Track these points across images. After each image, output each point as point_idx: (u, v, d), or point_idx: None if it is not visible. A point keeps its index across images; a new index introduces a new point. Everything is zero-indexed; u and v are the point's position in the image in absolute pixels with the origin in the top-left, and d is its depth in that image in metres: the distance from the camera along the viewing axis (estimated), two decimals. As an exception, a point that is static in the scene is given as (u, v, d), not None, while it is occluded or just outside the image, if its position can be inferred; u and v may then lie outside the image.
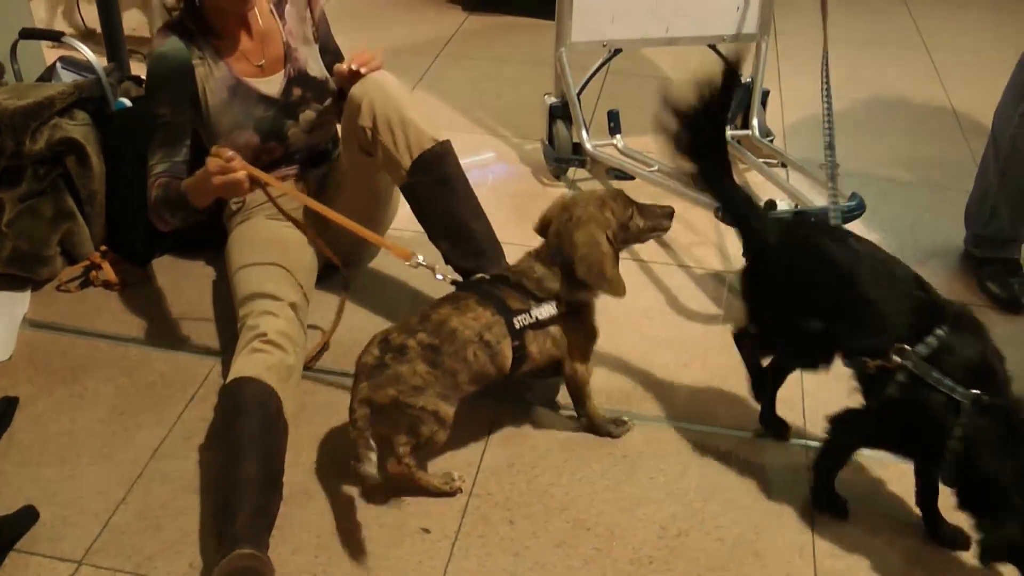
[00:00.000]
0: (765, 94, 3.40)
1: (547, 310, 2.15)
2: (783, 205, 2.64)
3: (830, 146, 2.43)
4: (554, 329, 2.17)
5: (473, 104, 3.89)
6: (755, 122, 3.32)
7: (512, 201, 3.20)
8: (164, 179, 2.39)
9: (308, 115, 2.56)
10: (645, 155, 3.14)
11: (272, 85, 2.51)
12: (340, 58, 2.63)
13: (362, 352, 2.04)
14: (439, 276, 2.28)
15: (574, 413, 2.32)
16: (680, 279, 2.86)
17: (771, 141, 3.33)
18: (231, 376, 2.13)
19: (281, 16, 2.54)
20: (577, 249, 2.12)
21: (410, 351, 2.00)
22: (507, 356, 2.12)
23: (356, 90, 2.40)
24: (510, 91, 4.02)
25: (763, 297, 2.11)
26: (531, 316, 2.13)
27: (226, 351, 2.51)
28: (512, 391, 2.38)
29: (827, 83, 2.52)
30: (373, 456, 1.91)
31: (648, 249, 2.95)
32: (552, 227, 2.20)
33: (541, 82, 3.83)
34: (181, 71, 2.41)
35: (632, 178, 3.11)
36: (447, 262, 2.46)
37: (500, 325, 2.10)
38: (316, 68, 2.58)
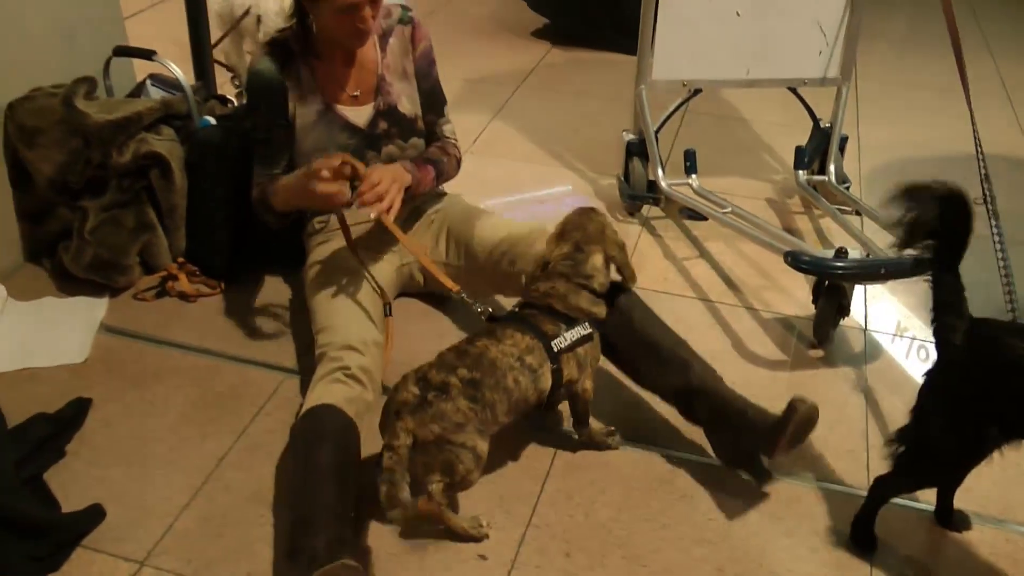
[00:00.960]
0: (844, 140, 3.38)
1: (579, 331, 2.17)
2: (855, 253, 2.61)
3: (993, 214, 2.40)
4: (580, 350, 2.18)
5: (550, 137, 3.93)
6: (832, 168, 3.29)
7: (584, 235, 3.21)
8: (263, 182, 2.50)
9: (391, 149, 2.58)
10: (719, 196, 3.13)
11: (360, 115, 2.54)
12: (438, 100, 2.66)
13: (396, 389, 2.01)
14: (478, 308, 2.27)
15: (627, 446, 2.32)
16: (748, 322, 2.84)
17: (847, 188, 3.29)
18: (312, 402, 2.13)
19: (383, 49, 2.56)
20: (607, 235, 2.28)
21: (452, 388, 1.98)
22: (548, 380, 2.12)
23: None
24: (588, 126, 4.05)
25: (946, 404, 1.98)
26: (566, 338, 2.15)
27: (299, 369, 2.55)
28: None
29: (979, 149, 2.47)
30: (407, 487, 1.91)
31: (716, 289, 2.95)
32: (573, 235, 2.27)
33: (619, 118, 3.86)
34: (275, 89, 2.47)
35: (705, 218, 3.11)
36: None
37: (540, 350, 2.11)
38: (408, 105, 2.59)
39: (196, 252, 2.90)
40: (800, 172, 3.35)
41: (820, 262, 2.56)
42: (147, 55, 3.06)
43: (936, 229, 1.88)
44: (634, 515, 2.16)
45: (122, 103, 2.92)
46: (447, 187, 2.81)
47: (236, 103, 3.34)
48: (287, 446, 2.26)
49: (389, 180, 2.33)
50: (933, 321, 1.93)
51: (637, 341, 2.33)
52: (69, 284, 2.86)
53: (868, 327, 2.84)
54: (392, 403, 1.99)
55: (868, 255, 2.69)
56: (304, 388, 2.44)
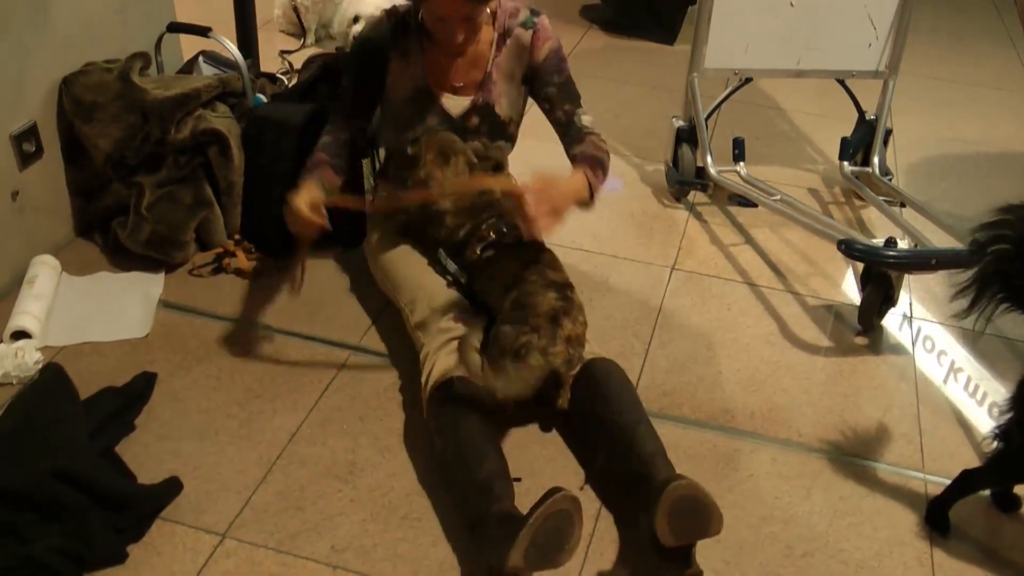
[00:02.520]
0: (888, 133, 3.40)
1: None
2: (903, 244, 2.64)
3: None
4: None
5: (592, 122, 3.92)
6: (876, 160, 3.31)
7: (633, 220, 3.25)
8: (318, 153, 2.52)
9: (475, 144, 2.58)
10: (766, 184, 3.16)
11: (456, 105, 2.56)
12: (573, 92, 2.62)
13: (530, 302, 2.17)
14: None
15: (692, 426, 2.36)
16: (794, 308, 2.87)
17: (890, 180, 3.32)
18: (437, 377, 2.18)
19: (499, 48, 2.55)
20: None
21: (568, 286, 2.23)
22: None
23: None
24: (628, 113, 4.06)
25: None
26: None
27: (364, 346, 2.59)
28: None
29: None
30: None
31: (763, 275, 2.98)
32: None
33: (658, 106, 3.89)
34: (376, 55, 2.51)
35: (755, 205, 3.13)
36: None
37: None
38: (505, 107, 2.59)
39: (252, 229, 2.91)
40: (845, 163, 3.38)
41: (873, 251, 2.59)
42: (202, 32, 3.07)
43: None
44: (704, 493, 2.19)
45: (178, 79, 2.93)
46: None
47: (286, 82, 3.36)
48: (430, 425, 2.20)
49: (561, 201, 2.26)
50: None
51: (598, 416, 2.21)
52: (122, 259, 2.86)
53: (913, 315, 2.87)
54: (540, 314, 2.14)
55: (915, 245, 2.72)
56: (371, 364, 2.51)
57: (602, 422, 2.16)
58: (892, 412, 2.48)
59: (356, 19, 4.20)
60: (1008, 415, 2.00)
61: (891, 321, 2.81)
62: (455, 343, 2.25)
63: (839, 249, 2.64)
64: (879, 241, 2.63)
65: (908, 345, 2.75)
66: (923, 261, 2.63)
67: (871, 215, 3.31)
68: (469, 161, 2.48)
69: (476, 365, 2.14)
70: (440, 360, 2.22)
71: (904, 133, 3.96)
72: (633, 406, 2.18)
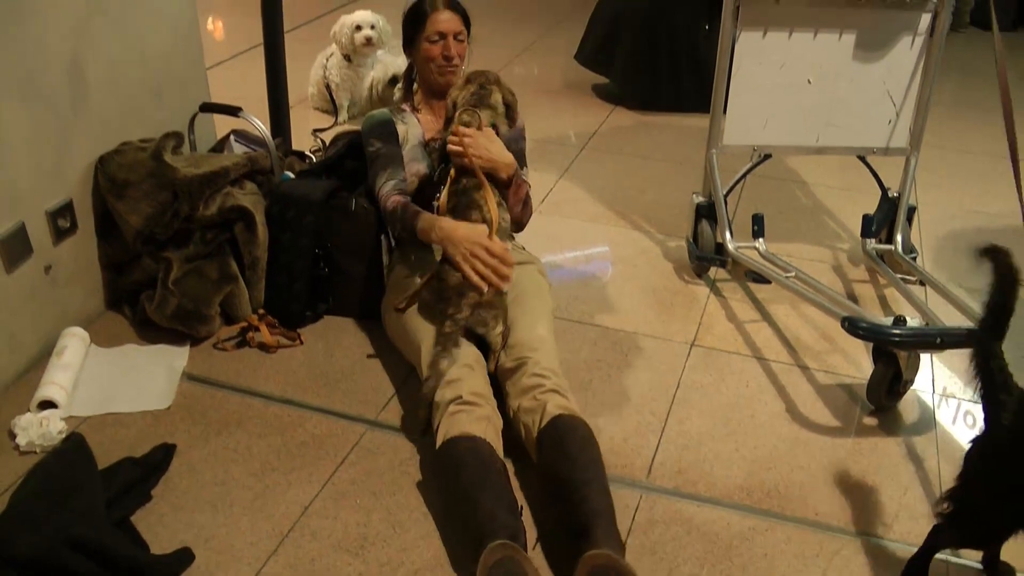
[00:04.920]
0: (911, 210, 3.40)
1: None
2: (913, 322, 2.61)
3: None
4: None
5: (617, 198, 3.99)
6: (899, 238, 3.31)
7: (654, 296, 3.26)
8: (398, 197, 2.73)
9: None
10: (784, 260, 3.16)
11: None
12: (520, 161, 2.84)
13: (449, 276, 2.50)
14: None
15: (704, 504, 2.35)
16: (810, 385, 2.85)
17: (914, 258, 3.31)
18: (441, 440, 2.27)
19: None
20: (502, 82, 2.83)
21: None
22: None
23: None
24: (653, 188, 4.10)
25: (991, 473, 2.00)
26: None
27: (381, 421, 2.61)
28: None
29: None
30: None
31: (781, 352, 2.97)
32: (478, 79, 2.78)
33: (684, 181, 3.93)
34: (385, 123, 2.86)
35: (769, 282, 3.14)
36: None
37: None
38: None
39: (276, 304, 2.97)
40: (867, 240, 3.38)
41: (877, 329, 2.58)
42: (233, 112, 3.17)
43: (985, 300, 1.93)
44: (717, 570, 2.17)
45: (208, 158, 3.01)
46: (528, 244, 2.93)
47: (314, 159, 3.44)
48: (442, 478, 2.29)
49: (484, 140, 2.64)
50: (981, 394, 1.98)
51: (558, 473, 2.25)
52: (149, 332, 2.92)
53: (936, 391, 2.85)
54: (450, 287, 2.50)
55: (927, 324, 2.69)
56: (387, 439, 2.53)
57: (559, 477, 2.21)
58: (912, 491, 2.45)
59: (394, 80, 4.34)
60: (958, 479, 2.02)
61: (912, 398, 2.79)
62: (454, 405, 2.32)
63: (843, 327, 2.62)
64: (889, 319, 2.62)
65: (930, 423, 2.72)
66: (927, 340, 2.59)
67: (895, 293, 3.29)
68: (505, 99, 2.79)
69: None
70: (444, 422, 2.31)
71: (929, 207, 3.96)
72: (592, 464, 2.22)
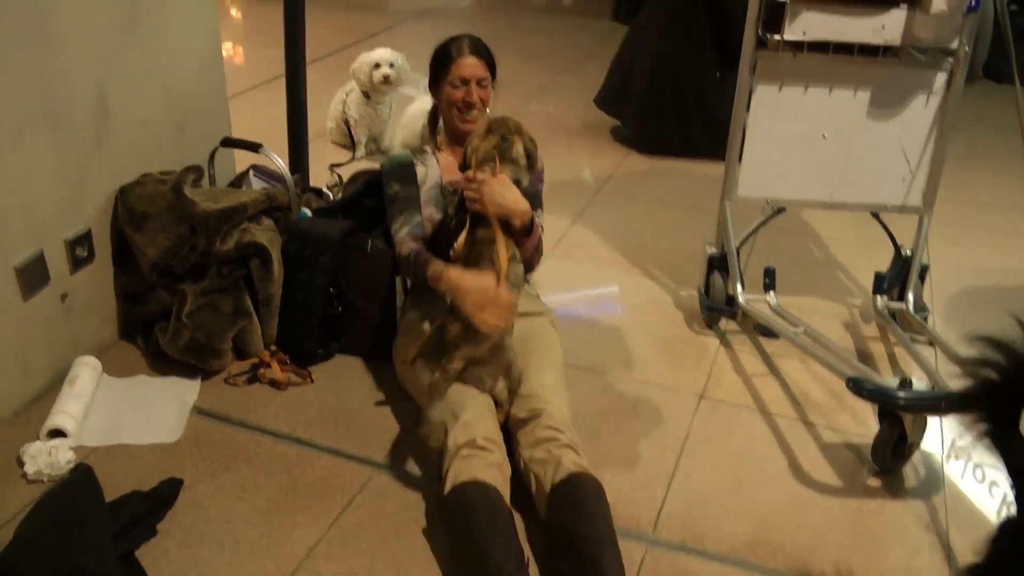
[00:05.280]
0: (924, 269, 3.40)
1: None
2: (920, 384, 2.62)
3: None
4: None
5: (630, 244, 4.00)
6: (911, 296, 3.30)
7: (664, 345, 3.27)
8: (412, 243, 2.75)
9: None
10: (794, 315, 3.16)
11: None
12: (536, 203, 2.88)
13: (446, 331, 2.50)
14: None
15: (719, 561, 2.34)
16: (815, 443, 2.84)
17: (925, 318, 3.31)
18: (451, 483, 2.28)
19: None
20: (523, 131, 2.78)
21: None
22: None
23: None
24: (666, 235, 4.12)
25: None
26: None
27: (390, 463, 2.62)
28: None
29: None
30: None
31: (787, 407, 2.97)
32: (499, 130, 2.72)
33: (697, 228, 3.93)
34: (406, 166, 2.86)
35: (777, 336, 3.14)
36: None
37: None
38: None
39: (288, 340, 2.98)
40: (878, 298, 3.37)
41: (881, 390, 2.58)
42: (253, 148, 3.20)
43: (998, 384, 1.83)
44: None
45: (227, 193, 3.04)
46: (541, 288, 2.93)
47: (332, 196, 3.46)
48: (450, 522, 2.30)
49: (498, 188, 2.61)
50: (1012, 482, 1.89)
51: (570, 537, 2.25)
52: (162, 364, 2.94)
53: (947, 455, 2.84)
54: (446, 341, 2.51)
55: (934, 387, 2.69)
56: (395, 482, 2.53)
57: (571, 534, 2.21)
58: (921, 556, 2.43)
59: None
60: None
61: (920, 457, 2.78)
62: (466, 449, 2.34)
63: (848, 387, 2.62)
64: (894, 381, 2.61)
65: (939, 483, 2.71)
66: (932, 404, 2.58)
67: (906, 352, 3.28)
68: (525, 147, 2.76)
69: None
70: (454, 466, 2.32)
71: (940, 261, 3.95)
72: (604, 524, 2.23)
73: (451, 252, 2.63)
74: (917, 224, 3.35)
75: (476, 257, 2.57)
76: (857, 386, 2.59)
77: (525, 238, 2.69)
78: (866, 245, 3.58)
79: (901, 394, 2.55)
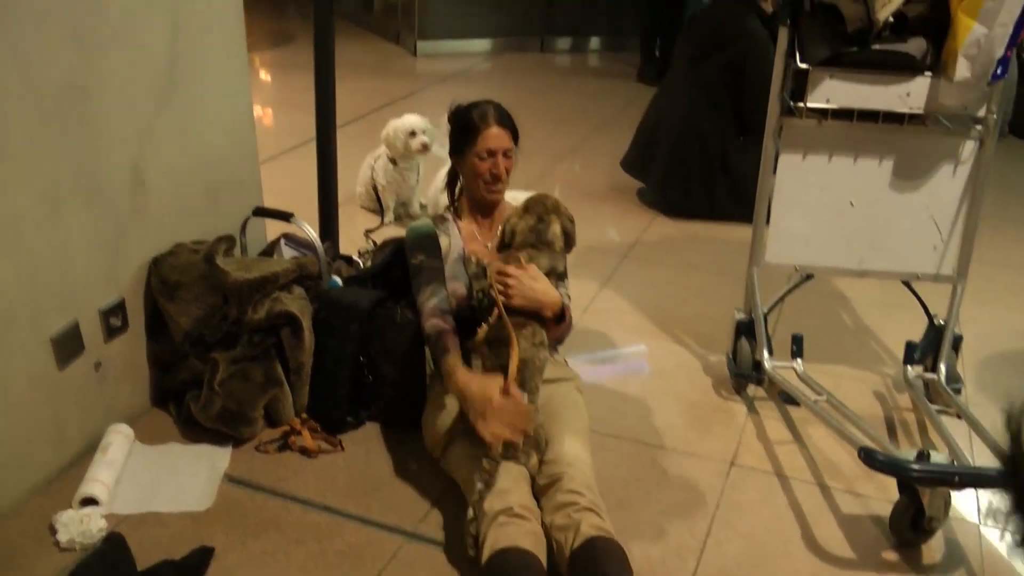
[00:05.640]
0: (958, 339, 3.33)
1: None
2: (940, 457, 2.57)
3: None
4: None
5: (658, 309, 4.01)
6: (943, 367, 3.23)
7: (693, 412, 3.27)
8: (437, 320, 2.75)
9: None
10: (817, 383, 3.13)
11: (488, 255, 2.87)
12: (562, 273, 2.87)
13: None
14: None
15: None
16: (851, 511, 2.82)
17: (959, 390, 3.25)
18: (490, 550, 2.27)
19: None
20: (561, 209, 2.84)
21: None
22: None
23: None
24: (694, 300, 4.13)
25: None
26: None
27: (420, 533, 2.61)
28: None
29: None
30: None
31: (821, 476, 2.95)
32: (536, 209, 2.79)
33: (725, 293, 3.93)
34: (430, 235, 2.89)
35: (798, 403, 3.14)
36: None
37: None
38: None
39: (318, 408, 3.00)
40: (909, 367, 3.33)
41: (893, 462, 2.54)
42: (285, 217, 3.24)
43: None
44: None
45: (259, 262, 3.08)
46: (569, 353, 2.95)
47: (362, 264, 3.50)
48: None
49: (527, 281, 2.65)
50: None
51: None
52: (193, 431, 2.96)
53: (984, 531, 2.81)
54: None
55: (953, 461, 2.62)
56: (426, 552, 2.53)
57: None
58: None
59: None
60: None
61: (957, 528, 2.75)
62: (503, 516, 2.33)
63: (860, 457, 2.59)
64: (912, 453, 2.57)
65: (974, 563, 2.67)
66: (945, 478, 2.51)
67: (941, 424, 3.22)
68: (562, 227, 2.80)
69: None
70: (491, 533, 2.31)
71: (971, 323, 3.90)
72: None
73: (473, 340, 2.65)
74: (951, 294, 3.29)
75: (497, 345, 2.58)
76: (869, 457, 2.56)
77: (556, 326, 2.72)
78: (898, 308, 3.54)
79: (914, 466, 2.52)
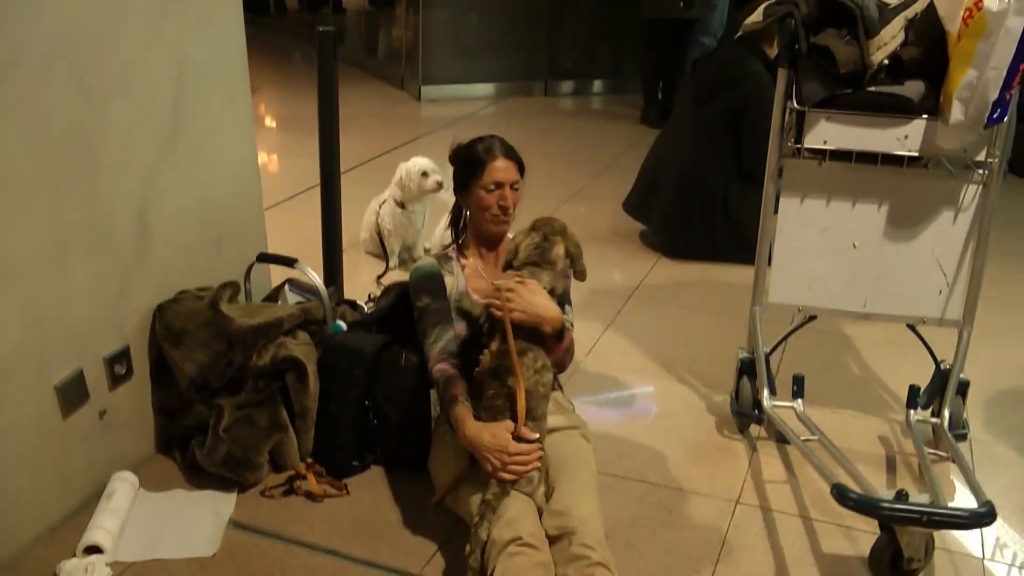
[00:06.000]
0: (965, 385, 3.25)
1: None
2: (918, 498, 2.54)
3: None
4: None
5: (662, 350, 4.02)
6: (947, 413, 3.14)
7: (698, 451, 3.27)
8: (444, 365, 2.73)
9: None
10: (815, 423, 3.08)
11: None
12: (564, 299, 2.87)
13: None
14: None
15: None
16: (857, 548, 2.80)
17: (964, 436, 3.21)
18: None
19: None
20: (568, 233, 2.85)
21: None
22: None
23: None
24: (698, 340, 4.13)
25: None
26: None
27: (424, 574, 2.61)
28: None
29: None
30: None
31: (827, 513, 2.93)
32: (542, 229, 2.81)
33: (728, 333, 3.94)
34: (434, 276, 2.87)
35: (788, 442, 3.13)
36: None
37: None
38: None
39: (323, 452, 3.00)
40: (912, 412, 3.26)
41: (863, 500, 2.53)
42: (289, 263, 3.26)
43: None
44: None
45: (263, 308, 3.09)
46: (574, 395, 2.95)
47: (366, 309, 3.51)
48: None
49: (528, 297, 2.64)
50: None
51: None
52: (198, 477, 2.97)
53: (984, 556, 2.80)
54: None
55: (932, 503, 2.58)
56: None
57: None
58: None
59: None
60: None
61: (958, 569, 2.73)
62: (513, 546, 2.33)
63: (832, 494, 2.58)
64: (890, 493, 2.55)
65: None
66: (913, 517, 2.49)
67: (946, 468, 3.18)
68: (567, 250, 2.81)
69: None
70: (501, 562, 2.31)
71: (976, 361, 3.86)
72: None
73: (478, 371, 2.66)
74: (957, 339, 3.22)
75: (503, 372, 2.58)
76: (840, 494, 2.54)
77: (556, 343, 2.71)
78: (905, 347, 3.47)
79: (883, 504, 2.51)
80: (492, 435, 2.51)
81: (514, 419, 2.52)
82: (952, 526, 2.51)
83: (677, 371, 3.82)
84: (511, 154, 2.89)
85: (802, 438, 2.98)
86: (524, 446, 2.49)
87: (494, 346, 2.63)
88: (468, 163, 2.89)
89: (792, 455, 3.25)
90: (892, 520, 2.55)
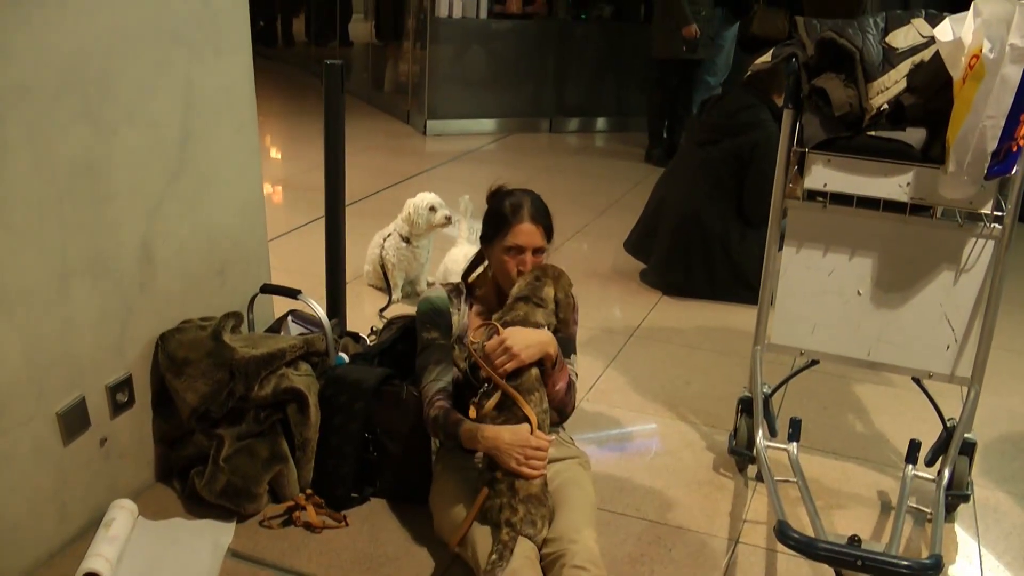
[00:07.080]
0: (971, 445, 3.08)
1: None
2: (875, 545, 2.56)
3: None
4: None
5: (664, 388, 4.02)
6: (947, 472, 2.96)
7: (699, 490, 3.27)
8: (442, 402, 2.74)
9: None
10: (800, 468, 3.04)
11: None
12: (569, 347, 2.90)
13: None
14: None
15: None
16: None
17: (966, 498, 3.12)
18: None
19: None
20: (562, 281, 2.83)
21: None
22: None
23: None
24: (699, 378, 4.14)
25: None
26: None
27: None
28: None
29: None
30: None
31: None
32: (536, 271, 2.80)
33: (729, 372, 3.95)
34: (443, 310, 2.88)
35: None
36: None
37: None
38: None
39: (323, 484, 3.00)
40: (909, 466, 3.08)
41: (805, 542, 2.53)
42: (292, 294, 3.28)
43: None
44: None
45: (266, 339, 3.10)
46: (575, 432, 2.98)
47: (368, 342, 3.52)
48: None
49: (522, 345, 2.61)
50: None
51: None
52: (197, 507, 2.96)
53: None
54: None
55: (886, 549, 2.60)
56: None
57: None
58: None
59: None
60: None
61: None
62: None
63: (774, 531, 2.59)
64: (843, 537, 2.55)
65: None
66: (847, 561, 2.49)
67: (948, 527, 3.15)
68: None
69: None
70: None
71: (977, 409, 3.90)
72: None
73: (477, 412, 2.66)
74: (964, 397, 3.10)
75: (509, 404, 2.60)
76: (782, 533, 2.55)
77: (554, 373, 2.71)
78: (911, 392, 3.42)
79: (820, 545, 2.52)
80: (511, 432, 2.55)
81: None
82: (889, 574, 2.48)
83: (679, 409, 3.82)
84: (539, 218, 2.79)
85: (777, 479, 2.95)
86: (543, 442, 2.54)
87: (493, 401, 2.64)
88: (494, 217, 2.82)
89: (792, 494, 3.22)
90: (826, 561, 2.57)
